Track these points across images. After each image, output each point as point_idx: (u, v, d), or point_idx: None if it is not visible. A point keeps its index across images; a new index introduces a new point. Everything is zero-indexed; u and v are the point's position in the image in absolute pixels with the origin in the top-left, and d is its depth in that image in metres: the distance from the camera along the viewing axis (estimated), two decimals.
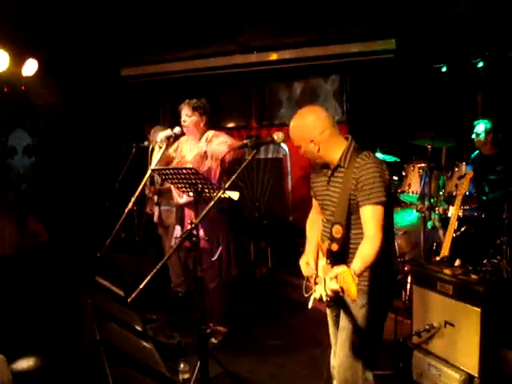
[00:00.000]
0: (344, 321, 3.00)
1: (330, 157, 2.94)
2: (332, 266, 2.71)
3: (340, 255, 2.81)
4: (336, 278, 2.51)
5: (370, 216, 2.77)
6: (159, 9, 6.13)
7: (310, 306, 3.03)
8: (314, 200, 3.28)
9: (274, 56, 7.48)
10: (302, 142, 2.94)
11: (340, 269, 2.51)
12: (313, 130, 2.90)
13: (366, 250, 2.72)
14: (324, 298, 2.82)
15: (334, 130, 2.95)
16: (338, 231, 2.80)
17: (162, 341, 4.96)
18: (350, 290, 2.42)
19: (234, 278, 5.02)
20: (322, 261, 2.91)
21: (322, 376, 3.34)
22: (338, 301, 2.96)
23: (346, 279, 2.43)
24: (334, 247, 2.79)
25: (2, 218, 6.23)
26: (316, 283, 2.97)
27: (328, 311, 3.26)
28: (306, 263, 3.02)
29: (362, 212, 2.81)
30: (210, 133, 4.87)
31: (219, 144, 4.76)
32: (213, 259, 4.73)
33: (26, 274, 4.45)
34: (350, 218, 2.88)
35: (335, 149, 2.93)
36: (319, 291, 2.89)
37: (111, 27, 6.46)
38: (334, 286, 2.52)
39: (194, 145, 4.89)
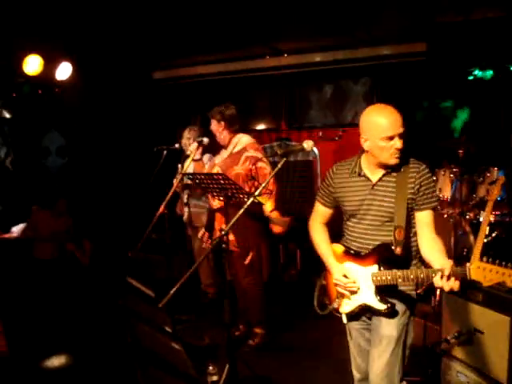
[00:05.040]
0: (386, 328, 2.94)
1: None
2: (390, 269, 2.77)
3: (399, 259, 2.82)
4: (451, 276, 2.54)
5: (431, 219, 2.85)
6: (190, 12, 6.19)
7: (345, 321, 3.06)
8: (320, 207, 3.24)
9: (304, 59, 7.51)
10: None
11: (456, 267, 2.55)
12: None
13: (442, 247, 2.78)
14: (382, 307, 2.83)
15: None
16: (400, 234, 2.80)
17: (192, 342, 5.02)
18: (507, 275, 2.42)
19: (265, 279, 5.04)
20: (363, 272, 2.90)
21: (349, 381, 3.34)
22: (369, 311, 2.97)
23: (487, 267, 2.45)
24: (399, 251, 2.80)
25: (58, 222, 6.22)
26: (343, 296, 3.00)
27: (352, 324, 3.18)
28: (344, 275, 2.99)
29: (423, 215, 2.86)
30: (242, 137, 4.88)
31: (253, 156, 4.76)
32: (245, 263, 4.75)
33: (62, 275, 4.53)
34: (410, 222, 2.90)
35: None
36: (358, 305, 2.92)
37: (144, 31, 6.54)
38: (455, 284, 2.56)
39: (223, 152, 4.96)
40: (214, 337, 4.93)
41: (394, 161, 2.84)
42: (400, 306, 2.93)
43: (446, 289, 2.57)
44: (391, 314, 2.91)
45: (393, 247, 2.81)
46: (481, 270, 2.45)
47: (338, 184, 3.10)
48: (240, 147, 4.78)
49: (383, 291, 2.85)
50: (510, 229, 5.11)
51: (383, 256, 2.83)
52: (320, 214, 3.25)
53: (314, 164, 7.80)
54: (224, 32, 6.70)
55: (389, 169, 2.90)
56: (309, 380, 4.41)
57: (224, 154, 4.95)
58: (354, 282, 2.95)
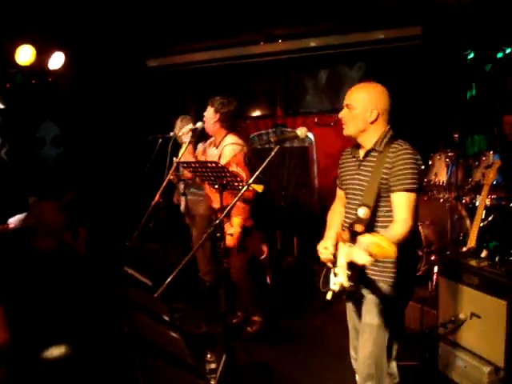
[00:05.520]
0: (367, 316, 2.98)
1: (369, 136, 2.92)
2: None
3: None
4: (366, 250, 2.41)
5: (403, 202, 2.76)
6: None
7: (328, 297, 3.03)
8: (338, 190, 3.27)
9: (299, 44, 7.46)
10: (362, 106, 2.90)
11: (367, 238, 2.42)
12: (383, 101, 2.92)
13: (396, 229, 2.69)
14: (346, 284, 2.79)
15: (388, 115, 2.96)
16: (364, 213, 2.78)
17: (189, 330, 5.03)
18: (386, 250, 2.31)
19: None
20: (344, 248, 2.89)
21: (348, 367, 3.35)
22: (358, 296, 2.97)
23: (380, 243, 2.32)
24: (359, 228, 2.76)
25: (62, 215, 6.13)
26: (335, 275, 2.97)
27: (347, 305, 3.23)
28: (325, 248, 2.96)
29: (395, 197, 2.79)
30: (228, 139, 4.79)
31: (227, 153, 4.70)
32: (262, 257, 4.80)
33: (62, 267, 4.52)
34: (378, 203, 2.86)
35: (378, 131, 2.92)
36: (338, 282, 2.90)
37: (137, 18, 6.48)
38: (362, 257, 2.45)
39: (212, 151, 4.90)
40: (212, 325, 4.95)
41: (343, 131, 2.99)
42: (375, 294, 2.93)
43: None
44: (373, 301, 2.92)
45: (355, 224, 2.78)
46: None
47: (341, 166, 3.19)
48: (224, 161, 4.71)
49: (354, 270, 2.77)
50: (506, 212, 5.11)
51: (351, 234, 2.80)
52: (338, 196, 3.29)
53: (309, 150, 7.78)
54: (218, 18, 6.65)
55: (369, 148, 2.93)
56: (307, 367, 4.43)
57: (213, 152, 4.91)
58: (333, 259, 2.91)
